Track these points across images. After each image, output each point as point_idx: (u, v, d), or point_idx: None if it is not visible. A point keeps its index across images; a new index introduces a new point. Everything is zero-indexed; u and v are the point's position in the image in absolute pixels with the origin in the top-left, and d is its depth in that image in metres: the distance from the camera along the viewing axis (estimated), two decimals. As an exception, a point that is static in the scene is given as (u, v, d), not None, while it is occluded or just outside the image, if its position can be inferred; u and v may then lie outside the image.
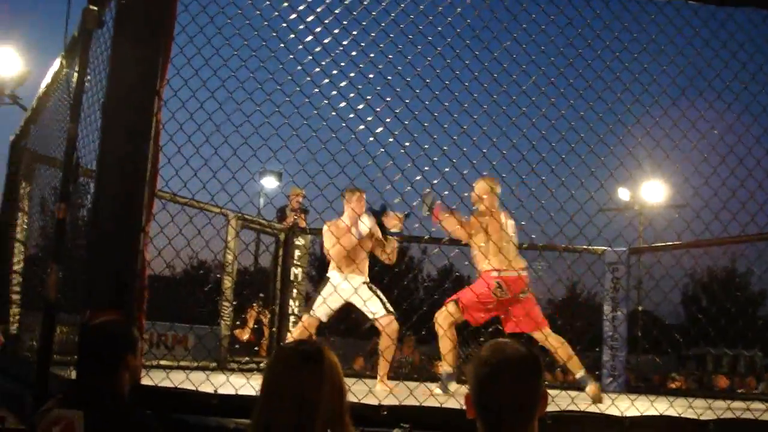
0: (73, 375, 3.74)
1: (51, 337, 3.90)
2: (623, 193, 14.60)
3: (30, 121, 7.71)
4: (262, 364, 7.70)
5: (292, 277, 8.84)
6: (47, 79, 6.35)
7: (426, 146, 4.00)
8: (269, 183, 17.05)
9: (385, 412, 3.59)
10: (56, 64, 5.84)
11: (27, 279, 7.25)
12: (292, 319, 8.57)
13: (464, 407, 2.11)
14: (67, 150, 3.90)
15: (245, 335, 9.40)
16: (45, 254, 7.01)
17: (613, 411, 3.99)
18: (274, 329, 8.60)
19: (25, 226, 7.53)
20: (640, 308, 9.08)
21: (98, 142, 3.94)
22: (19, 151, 8.11)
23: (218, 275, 8.98)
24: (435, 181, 4.05)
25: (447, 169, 4.00)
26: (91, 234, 3.79)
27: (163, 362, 6.23)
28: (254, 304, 9.45)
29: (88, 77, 4.26)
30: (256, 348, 9.14)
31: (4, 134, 10.45)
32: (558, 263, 7.83)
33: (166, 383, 3.88)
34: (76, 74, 4.14)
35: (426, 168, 4.02)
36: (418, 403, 3.86)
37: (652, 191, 18.55)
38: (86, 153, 4.30)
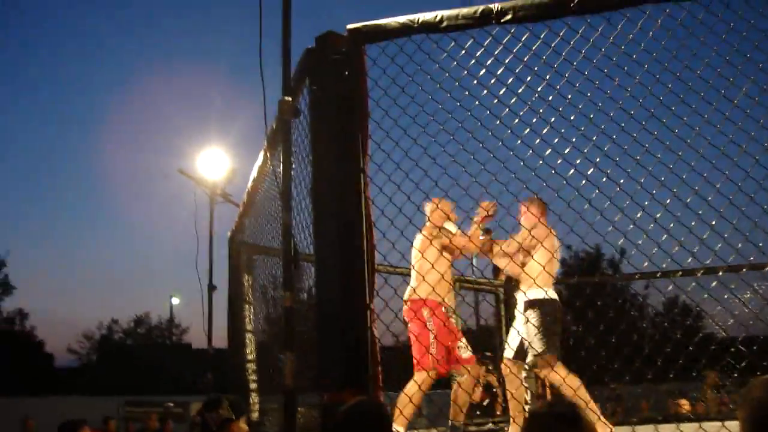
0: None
1: (294, 422, 3.97)
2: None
3: (243, 216, 8.09)
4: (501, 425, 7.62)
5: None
6: (254, 173, 6.62)
7: (621, 180, 3.79)
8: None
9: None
10: (260, 157, 6.08)
11: (260, 366, 7.53)
12: (522, 374, 8.38)
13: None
14: (284, 238, 4.00)
15: (477, 396, 9.32)
16: (272, 340, 7.25)
17: None
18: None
19: (252, 317, 7.85)
20: None
21: (312, 226, 4.04)
22: (237, 245, 8.53)
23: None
24: (658, 215, 3.82)
25: (647, 203, 3.77)
26: (318, 317, 3.85)
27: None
28: (482, 364, 9.37)
29: (293, 165, 4.38)
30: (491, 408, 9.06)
31: (222, 231, 11.09)
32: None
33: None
34: (281, 164, 4.27)
35: (626, 203, 3.81)
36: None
37: None
38: (302, 239, 4.41)
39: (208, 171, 12.77)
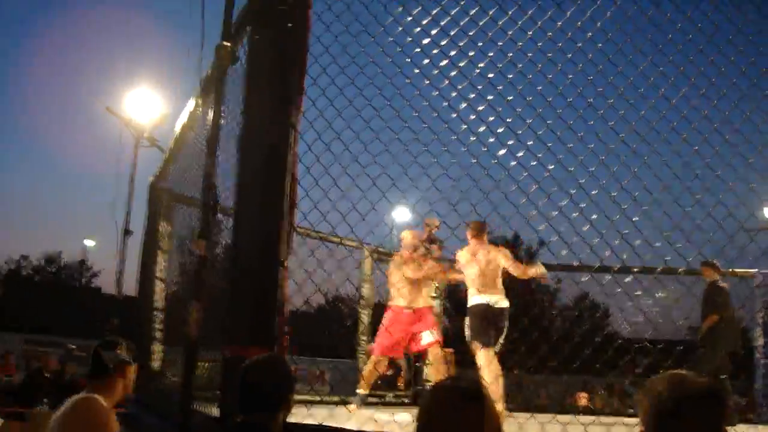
0: (215, 410, 3.71)
1: (192, 373, 3.88)
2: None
3: (168, 162, 7.89)
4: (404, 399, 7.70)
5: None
6: (183, 119, 6.43)
7: (571, 169, 3.78)
8: (402, 215, 16.72)
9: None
10: (192, 103, 5.91)
11: (169, 316, 7.37)
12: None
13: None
14: (204, 186, 3.89)
15: (383, 368, 9.35)
16: (185, 292, 7.11)
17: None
18: (417, 364, 8.52)
19: (165, 265, 7.67)
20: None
21: (235, 177, 3.93)
22: (158, 192, 8.31)
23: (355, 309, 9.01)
24: (583, 205, 3.82)
25: (594, 191, 3.77)
26: (231, 270, 3.75)
27: (303, 397, 6.20)
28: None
29: (224, 114, 4.26)
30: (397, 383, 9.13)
31: (144, 176, 10.82)
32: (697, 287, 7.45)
33: (309, 420, 3.79)
34: (211, 111, 4.14)
35: (573, 191, 3.81)
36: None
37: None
38: (224, 191, 4.29)
39: (138, 113, 12.40)
